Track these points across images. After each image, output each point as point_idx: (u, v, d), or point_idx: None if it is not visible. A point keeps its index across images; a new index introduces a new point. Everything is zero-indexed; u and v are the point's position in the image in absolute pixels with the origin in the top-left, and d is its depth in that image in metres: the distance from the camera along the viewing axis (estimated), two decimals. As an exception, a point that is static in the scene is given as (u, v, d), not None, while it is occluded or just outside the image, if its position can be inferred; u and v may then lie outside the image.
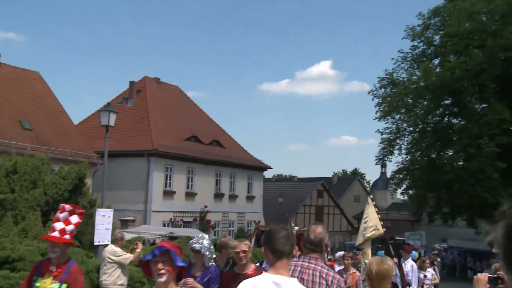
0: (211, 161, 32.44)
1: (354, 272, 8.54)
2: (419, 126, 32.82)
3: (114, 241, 8.97)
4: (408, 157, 33.30)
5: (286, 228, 3.30)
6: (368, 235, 10.59)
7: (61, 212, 4.61)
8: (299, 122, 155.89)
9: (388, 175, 49.39)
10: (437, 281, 12.72)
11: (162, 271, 3.11)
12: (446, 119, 33.27)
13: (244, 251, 5.33)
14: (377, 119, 32.91)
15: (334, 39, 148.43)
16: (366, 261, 9.57)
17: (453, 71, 28.50)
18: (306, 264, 3.93)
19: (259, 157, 44.92)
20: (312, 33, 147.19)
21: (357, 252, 9.55)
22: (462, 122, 31.26)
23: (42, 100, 27.69)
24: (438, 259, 28.67)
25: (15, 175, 12.00)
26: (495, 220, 1.32)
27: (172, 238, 23.21)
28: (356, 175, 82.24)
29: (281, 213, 39.20)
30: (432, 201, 33.31)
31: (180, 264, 3.16)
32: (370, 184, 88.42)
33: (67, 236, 4.47)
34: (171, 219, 29.27)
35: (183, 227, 29.11)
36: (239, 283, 3.59)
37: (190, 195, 30.99)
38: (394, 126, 33.22)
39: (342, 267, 11.43)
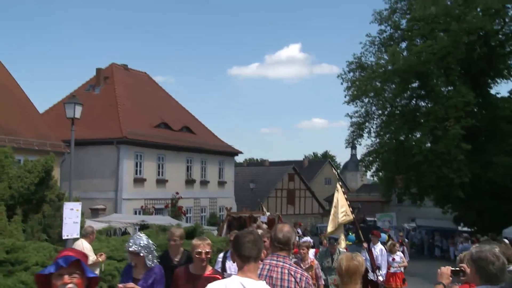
0: (182, 147, 32.25)
1: (312, 261, 8.37)
2: (388, 109, 33.32)
3: (84, 235, 8.86)
4: (377, 140, 33.82)
5: (253, 232, 3.33)
6: (339, 221, 10.76)
7: None
8: (270, 106, 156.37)
9: (359, 157, 50.13)
10: (405, 264, 12.99)
11: (70, 286, 2.61)
12: (414, 102, 33.85)
13: (207, 253, 4.92)
14: (347, 103, 33.25)
15: (302, 22, 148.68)
16: (341, 249, 9.70)
17: (420, 54, 28.93)
18: (274, 262, 3.98)
19: (230, 141, 44.96)
20: (280, 16, 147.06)
21: (335, 243, 9.62)
22: (429, 105, 31.85)
23: (5, 88, 26.87)
24: (406, 240, 29.38)
25: (-23, 168, 11.70)
26: None
27: (143, 226, 23.10)
28: (326, 158, 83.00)
29: (253, 198, 39.41)
30: (401, 182, 33.98)
31: (91, 275, 2.74)
32: (341, 167, 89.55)
33: None
34: (142, 206, 29.09)
35: (155, 215, 28.98)
36: (194, 285, 3.59)
37: (161, 182, 30.81)
38: (363, 109, 33.66)
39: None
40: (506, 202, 28.14)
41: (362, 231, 14.15)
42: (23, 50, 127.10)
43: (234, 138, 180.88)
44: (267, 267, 3.96)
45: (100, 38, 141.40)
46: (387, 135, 33.05)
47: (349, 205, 10.98)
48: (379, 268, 11.54)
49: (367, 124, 34.00)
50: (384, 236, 18.40)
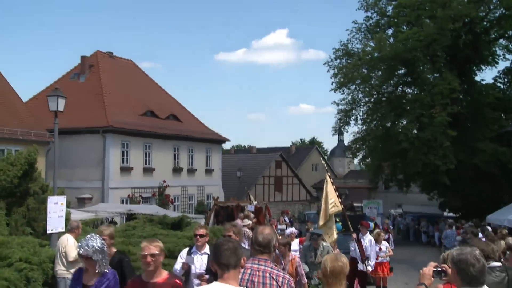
0: (168, 135, 32.10)
1: (293, 258, 8.03)
2: (374, 97, 33.41)
3: (70, 230, 8.78)
4: (364, 127, 33.93)
5: (232, 240, 3.32)
6: (329, 212, 10.77)
7: None
8: (257, 92, 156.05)
9: (346, 142, 50.35)
10: (391, 253, 13.09)
11: None
12: (400, 89, 33.97)
13: (153, 255, 4.31)
14: (333, 91, 33.25)
15: (289, 7, 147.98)
16: (325, 244, 9.65)
17: (406, 42, 28.97)
18: (256, 266, 3.97)
19: (217, 128, 44.81)
20: (267, 1, 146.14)
21: (318, 238, 9.55)
22: (415, 92, 31.99)
23: (-13, 77, 26.51)
24: (392, 227, 29.69)
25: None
26: None
27: (130, 215, 23.03)
28: (314, 144, 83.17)
29: (241, 185, 39.41)
30: (388, 169, 34.22)
31: None
32: (328, 153, 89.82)
33: None
34: (129, 195, 28.97)
35: (142, 203, 28.91)
36: None
37: (148, 170, 30.68)
38: (349, 97, 33.69)
39: (295, 241, 11.57)
40: (490, 188, 28.51)
41: (350, 220, 14.21)
42: (5, 38, 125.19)
43: (221, 125, 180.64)
44: (249, 271, 3.94)
45: (84, 25, 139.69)
46: (374, 122, 33.17)
47: (338, 196, 10.97)
48: (368, 258, 11.57)
49: (353, 111, 34.09)
50: (370, 224, 18.54)
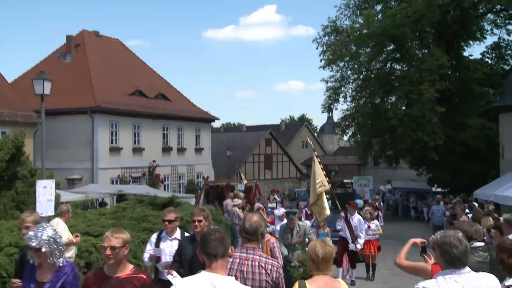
0: (157, 115, 31.96)
1: (268, 240, 7.70)
2: (363, 73, 33.39)
3: (59, 214, 8.79)
4: (353, 104, 34.01)
5: (219, 230, 3.34)
6: (317, 192, 10.83)
7: None
8: (246, 68, 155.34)
9: (335, 119, 50.46)
10: (380, 231, 13.13)
11: None
12: (389, 65, 33.95)
13: (113, 248, 3.83)
14: (322, 68, 33.19)
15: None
16: (301, 223, 9.45)
17: (394, 18, 28.83)
18: (244, 255, 4.01)
19: (206, 106, 44.57)
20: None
21: (293, 217, 9.32)
22: (404, 68, 32.00)
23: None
24: (382, 203, 29.99)
25: None
26: None
27: (120, 196, 23.07)
28: (303, 121, 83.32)
29: (231, 164, 39.52)
30: (377, 145, 34.45)
31: None
32: (318, 129, 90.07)
33: None
34: (119, 175, 28.94)
35: (132, 183, 28.93)
36: None
37: (137, 150, 30.61)
38: (338, 74, 33.69)
39: (283, 222, 11.46)
40: (477, 163, 28.83)
41: (340, 197, 14.31)
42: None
43: (210, 103, 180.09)
44: (237, 260, 3.98)
45: (69, 3, 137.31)
46: (363, 99, 33.24)
47: (325, 175, 11.03)
48: (357, 237, 11.65)
49: (342, 88, 34.12)
50: (360, 202, 18.72)
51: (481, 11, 31.57)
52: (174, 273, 5.26)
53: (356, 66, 32.84)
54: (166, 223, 6.25)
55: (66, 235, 8.37)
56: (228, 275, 3.32)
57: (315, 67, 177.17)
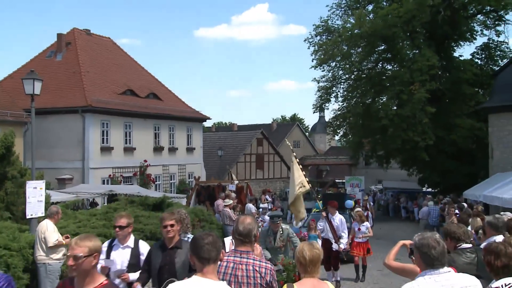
0: (149, 114, 31.87)
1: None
2: (354, 73, 33.48)
3: (49, 216, 8.72)
4: (344, 104, 34.10)
5: (211, 234, 3.34)
6: (296, 192, 10.82)
7: None
8: (238, 68, 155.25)
9: (327, 119, 50.57)
10: (370, 234, 13.08)
11: None
12: (380, 65, 34.08)
13: (76, 258, 3.29)
14: (314, 67, 33.26)
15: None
16: (284, 226, 8.99)
17: (386, 18, 28.95)
18: (238, 259, 3.99)
19: (198, 105, 44.47)
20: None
21: (277, 221, 9.02)
22: (395, 68, 32.13)
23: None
24: (372, 203, 30.11)
25: None
26: None
27: (112, 196, 22.97)
28: (295, 121, 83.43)
29: (222, 163, 39.46)
30: (368, 145, 34.57)
31: None
32: (309, 129, 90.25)
33: None
34: (110, 175, 28.83)
35: (123, 183, 28.81)
36: None
37: (128, 150, 30.50)
38: (330, 74, 33.76)
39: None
40: (467, 164, 29.03)
41: (332, 198, 14.30)
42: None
43: (202, 102, 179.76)
44: (231, 265, 3.96)
45: (60, 1, 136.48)
46: (354, 99, 33.34)
47: (305, 175, 11.04)
48: (340, 238, 11.53)
49: (334, 88, 34.21)
50: (350, 202, 18.73)
51: (471, 12, 31.79)
52: (139, 286, 4.99)
53: (347, 66, 32.93)
54: (117, 229, 5.68)
55: (55, 236, 8.34)
56: (222, 279, 3.32)
57: (307, 66, 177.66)
